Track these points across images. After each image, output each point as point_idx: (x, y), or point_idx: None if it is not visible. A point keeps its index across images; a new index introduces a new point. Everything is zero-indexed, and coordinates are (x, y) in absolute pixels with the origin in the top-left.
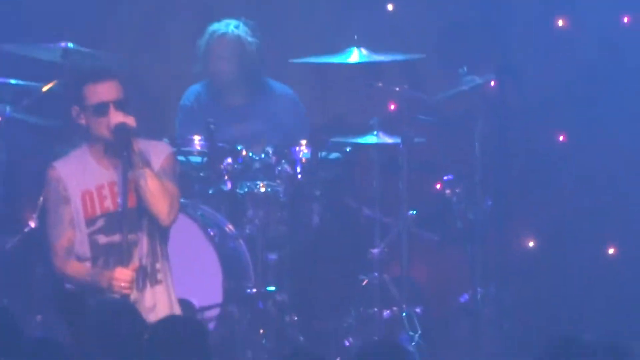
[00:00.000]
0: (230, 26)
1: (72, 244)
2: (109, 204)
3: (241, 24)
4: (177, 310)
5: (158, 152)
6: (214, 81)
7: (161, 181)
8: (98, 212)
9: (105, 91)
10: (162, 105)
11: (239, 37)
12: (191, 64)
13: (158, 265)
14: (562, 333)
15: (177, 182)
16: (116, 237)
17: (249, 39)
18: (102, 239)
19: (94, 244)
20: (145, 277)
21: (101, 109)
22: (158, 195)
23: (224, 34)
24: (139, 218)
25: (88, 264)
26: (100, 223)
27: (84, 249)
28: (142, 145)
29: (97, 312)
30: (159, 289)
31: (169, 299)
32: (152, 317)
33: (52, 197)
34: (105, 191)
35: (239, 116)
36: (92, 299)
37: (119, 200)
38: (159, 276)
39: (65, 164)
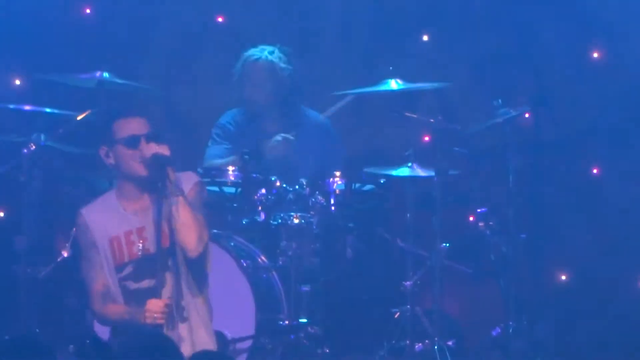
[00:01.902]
0: (264, 52)
1: (107, 289)
2: (137, 250)
3: (276, 50)
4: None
5: (186, 182)
6: (248, 107)
7: (192, 211)
8: (126, 258)
9: (135, 126)
10: (195, 136)
11: (272, 62)
12: (224, 94)
13: (183, 303)
14: None
15: (206, 213)
16: (144, 283)
17: (282, 65)
18: (131, 285)
19: (124, 290)
20: (175, 315)
21: (132, 141)
22: (189, 224)
23: (257, 60)
24: (166, 258)
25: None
26: (128, 269)
27: (117, 294)
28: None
29: (130, 341)
30: (184, 326)
31: (193, 336)
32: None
33: (82, 241)
34: (134, 237)
35: None
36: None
37: (148, 244)
38: (185, 313)
39: (92, 211)
